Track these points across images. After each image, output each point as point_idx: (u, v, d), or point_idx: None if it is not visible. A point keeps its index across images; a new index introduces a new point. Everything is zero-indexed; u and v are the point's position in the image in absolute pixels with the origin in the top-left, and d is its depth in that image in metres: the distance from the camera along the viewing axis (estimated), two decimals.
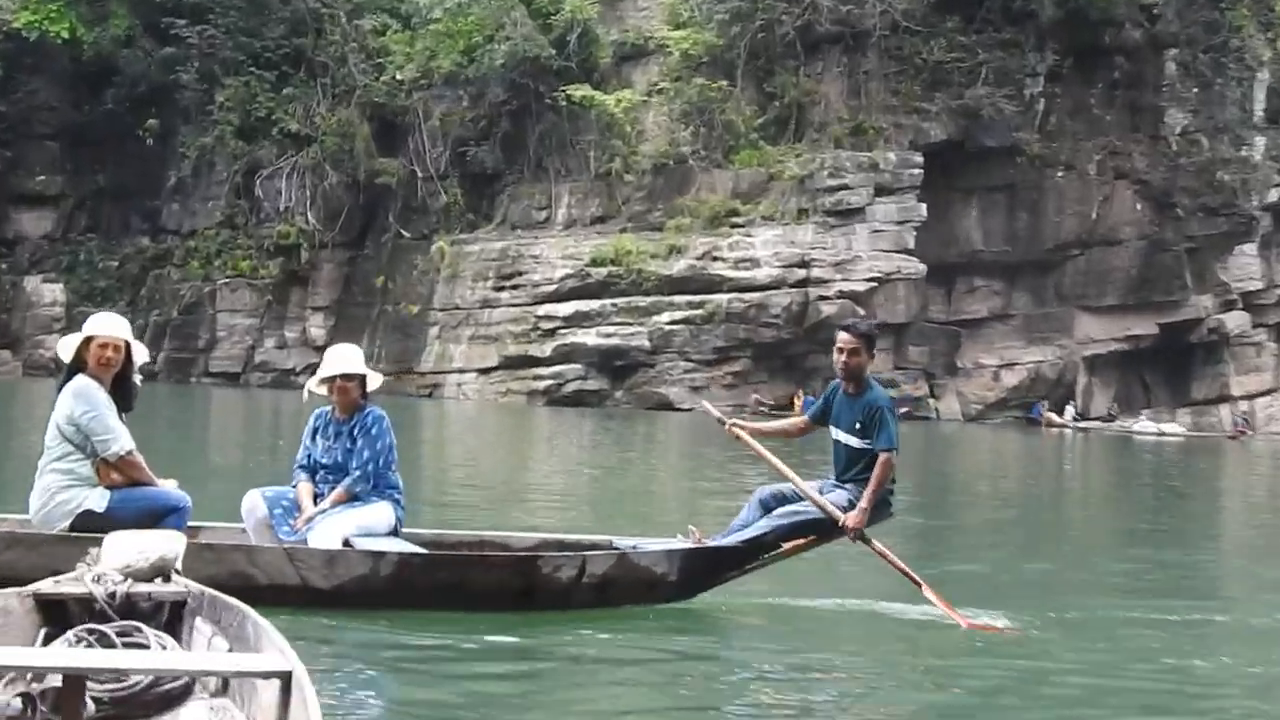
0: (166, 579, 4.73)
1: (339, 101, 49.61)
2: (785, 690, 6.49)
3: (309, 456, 8.03)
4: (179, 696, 4.22)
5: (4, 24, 48.11)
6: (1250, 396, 49.71)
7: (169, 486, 7.45)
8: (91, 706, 3.99)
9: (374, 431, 7.91)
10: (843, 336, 8.07)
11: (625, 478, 20.26)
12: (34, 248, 51.03)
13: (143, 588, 4.65)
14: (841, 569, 9.60)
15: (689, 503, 15.69)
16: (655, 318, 43.17)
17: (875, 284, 43.70)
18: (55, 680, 3.85)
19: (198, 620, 4.70)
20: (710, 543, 8.09)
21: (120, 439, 7.25)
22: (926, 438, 34.26)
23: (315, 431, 8.07)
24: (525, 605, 7.45)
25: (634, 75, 48.58)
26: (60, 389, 7.36)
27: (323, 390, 8.08)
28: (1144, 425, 45.78)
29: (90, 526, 6.87)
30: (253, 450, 21.31)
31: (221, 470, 16.68)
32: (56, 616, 4.59)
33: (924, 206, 44.53)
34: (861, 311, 38.04)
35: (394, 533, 7.86)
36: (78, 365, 7.32)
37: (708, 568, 8.03)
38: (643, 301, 43.37)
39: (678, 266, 43.44)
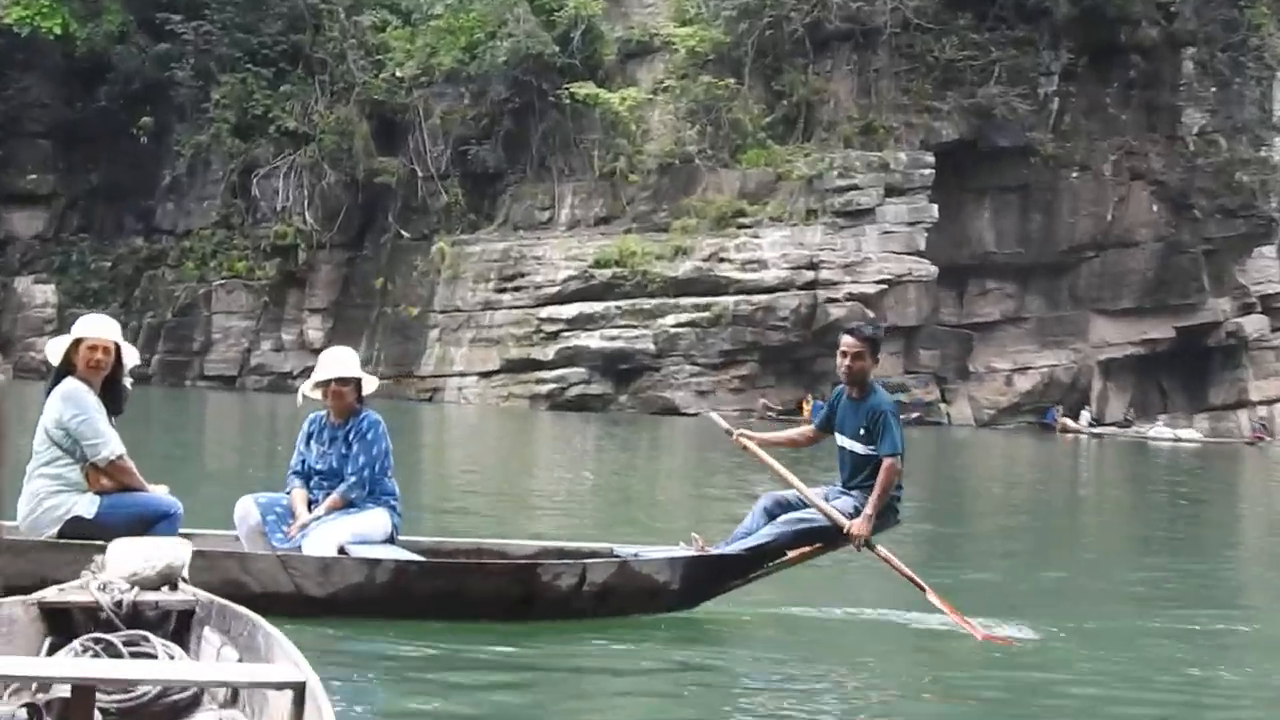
0: (174, 587, 4.73)
1: (337, 99, 49.03)
2: (792, 703, 6.36)
3: (303, 462, 7.99)
4: (187, 707, 4.22)
5: None
6: (1269, 402, 49.16)
7: (160, 492, 7.43)
8: (98, 717, 3.94)
9: (370, 436, 7.85)
10: (846, 340, 8.08)
11: (629, 484, 20.12)
12: (25, 248, 50.65)
13: (149, 596, 4.65)
14: (850, 577, 9.64)
15: (693, 509, 15.68)
16: (660, 320, 42.70)
17: (885, 286, 43.33)
18: (62, 690, 3.85)
19: (206, 630, 4.68)
20: (713, 551, 8.04)
21: (110, 443, 7.23)
22: (938, 443, 34.02)
23: (310, 436, 8.03)
24: (524, 614, 7.40)
25: (639, 73, 48.14)
26: (49, 392, 7.33)
27: (317, 394, 8.01)
28: (1160, 431, 45.24)
29: (79, 533, 6.97)
30: (247, 455, 21.32)
31: (215, 475, 16.77)
32: (61, 625, 4.58)
33: (935, 207, 44.09)
34: (871, 314, 38.11)
35: (390, 540, 7.83)
36: (66, 368, 7.29)
37: (711, 576, 7.99)
38: (648, 304, 42.87)
39: (683, 268, 43.03)
